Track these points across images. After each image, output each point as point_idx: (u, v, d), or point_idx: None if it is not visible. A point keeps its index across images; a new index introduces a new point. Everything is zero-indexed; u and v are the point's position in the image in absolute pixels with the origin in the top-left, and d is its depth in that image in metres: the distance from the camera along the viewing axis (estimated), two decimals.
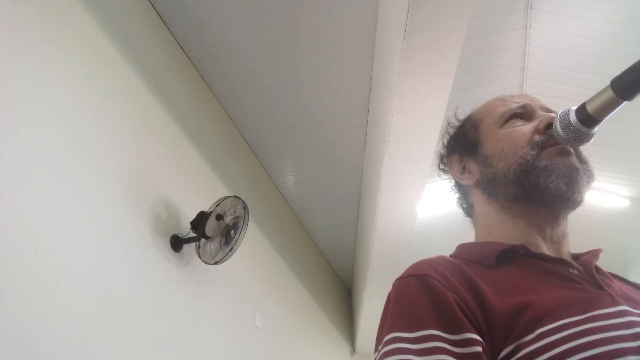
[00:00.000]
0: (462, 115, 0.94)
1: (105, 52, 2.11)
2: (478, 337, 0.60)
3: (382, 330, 0.66)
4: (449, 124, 0.95)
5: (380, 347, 0.65)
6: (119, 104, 2.14)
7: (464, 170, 0.88)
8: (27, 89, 1.65)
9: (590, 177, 0.77)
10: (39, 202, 1.61)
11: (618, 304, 0.64)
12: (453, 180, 0.93)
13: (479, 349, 0.59)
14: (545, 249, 0.76)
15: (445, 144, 0.94)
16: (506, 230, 0.79)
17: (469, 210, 0.89)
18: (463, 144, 0.89)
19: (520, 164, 0.77)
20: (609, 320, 0.61)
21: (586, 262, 0.74)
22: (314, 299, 4.51)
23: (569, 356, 0.57)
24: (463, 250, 0.81)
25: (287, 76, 3.05)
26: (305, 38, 2.82)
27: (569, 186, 0.74)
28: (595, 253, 0.77)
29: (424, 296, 0.65)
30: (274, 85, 3.10)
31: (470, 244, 0.83)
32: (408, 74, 2.39)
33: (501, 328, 0.61)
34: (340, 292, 5.71)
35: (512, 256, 0.73)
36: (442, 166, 0.94)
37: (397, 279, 0.71)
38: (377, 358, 0.64)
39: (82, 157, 1.85)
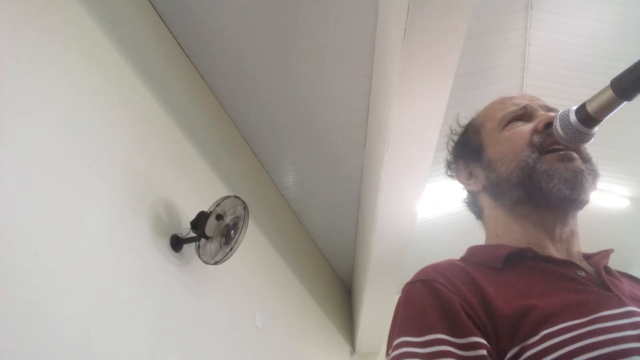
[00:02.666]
0: (464, 121, 0.95)
1: (105, 52, 2.11)
2: (483, 341, 0.61)
3: (392, 335, 0.68)
4: (451, 130, 0.96)
5: (390, 351, 0.67)
6: (118, 104, 2.14)
7: (470, 175, 0.89)
8: (27, 89, 1.65)
9: (595, 176, 0.77)
10: (39, 202, 1.61)
11: (625, 305, 0.65)
12: (462, 186, 0.94)
13: (484, 352, 0.60)
14: (554, 250, 0.77)
15: (450, 150, 0.96)
16: (514, 233, 0.80)
17: (479, 214, 0.90)
18: (467, 150, 0.90)
19: (522, 168, 0.77)
20: (614, 322, 0.62)
21: (596, 263, 0.74)
22: (314, 299, 4.51)
23: (573, 357, 0.57)
24: (472, 253, 0.82)
25: (287, 76, 3.05)
26: (305, 38, 2.82)
27: (573, 190, 0.74)
28: (606, 254, 0.77)
29: (430, 301, 0.67)
30: (274, 85, 3.09)
31: (480, 246, 0.84)
32: (408, 74, 2.39)
33: (506, 330, 0.62)
34: (340, 292, 5.71)
35: (519, 259, 0.74)
36: (449, 172, 0.96)
37: (406, 284, 0.73)
38: None
39: (81, 157, 1.85)
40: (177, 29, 2.68)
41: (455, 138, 0.95)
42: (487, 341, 0.62)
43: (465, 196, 0.94)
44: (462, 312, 0.64)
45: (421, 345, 0.63)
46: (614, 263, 0.77)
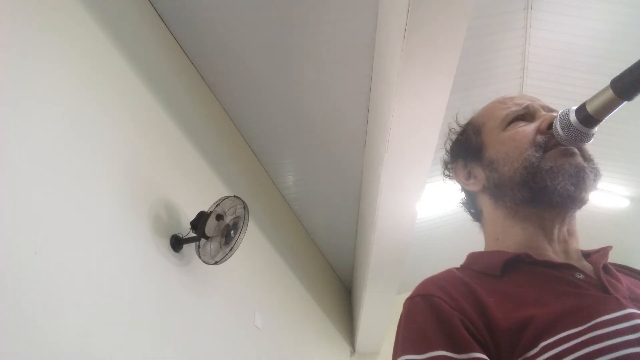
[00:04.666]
0: (463, 120, 0.93)
1: (105, 52, 2.11)
2: (484, 356, 0.61)
3: (395, 352, 0.69)
4: (450, 129, 0.94)
5: None
6: (118, 104, 2.14)
7: (469, 175, 0.88)
8: (27, 89, 1.65)
9: (597, 174, 0.76)
10: (39, 201, 1.61)
11: (623, 308, 0.64)
12: (460, 186, 0.93)
13: None
14: (552, 252, 0.76)
15: (449, 150, 0.94)
16: (515, 236, 0.79)
17: (477, 215, 0.89)
18: (467, 150, 0.88)
19: (526, 167, 0.76)
20: (613, 327, 0.61)
21: (595, 262, 0.74)
22: (314, 299, 4.51)
23: None
24: (472, 261, 0.82)
25: (287, 76, 3.05)
26: (305, 38, 2.82)
27: (577, 186, 0.74)
28: (605, 252, 0.77)
29: (430, 317, 0.67)
30: (274, 85, 3.09)
31: (479, 253, 0.84)
32: (408, 74, 2.39)
33: (506, 344, 0.62)
34: (340, 292, 5.71)
35: (517, 264, 0.74)
36: (447, 172, 0.94)
37: (407, 299, 0.73)
38: None
39: (81, 157, 1.85)
40: (177, 29, 2.68)
41: (454, 137, 0.93)
42: (487, 355, 0.62)
43: (463, 197, 0.92)
44: (462, 327, 0.64)
45: None
46: (615, 263, 0.77)
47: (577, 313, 0.64)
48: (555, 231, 0.77)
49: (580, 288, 0.69)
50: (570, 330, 0.61)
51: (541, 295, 0.68)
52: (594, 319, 0.62)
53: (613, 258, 0.77)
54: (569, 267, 0.73)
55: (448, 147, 0.94)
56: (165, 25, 2.64)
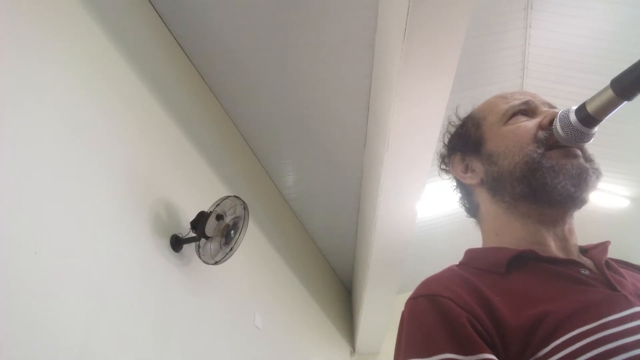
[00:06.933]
0: (463, 114, 0.93)
1: (105, 53, 2.11)
2: (493, 357, 0.60)
3: (398, 355, 0.67)
4: (450, 122, 0.93)
5: None
6: (118, 104, 2.14)
7: (466, 169, 0.87)
8: (27, 89, 1.65)
9: (598, 175, 0.76)
10: (39, 201, 1.61)
11: (632, 306, 0.64)
12: (455, 181, 0.91)
13: None
14: (554, 247, 0.76)
15: (447, 143, 0.93)
16: (514, 231, 0.78)
17: (473, 210, 0.88)
18: (465, 143, 0.87)
19: (527, 162, 0.76)
20: (623, 326, 0.60)
21: (596, 258, 0.73)
22: (314, 299, 4.51)
23: None
24: (472, 258, 0.79)
25: (287, 76, 3.05)
26: (305, 38, 2.82)
27: (578, 187, 0.73)
28: (604, 247, 0.76)
29: (436, 319, 0.64)
30: (274, 85, 3.09)
31: (479, 249, 0.82)
32: (408, 74, 2.39)
33: (516, 344, 0.61)
34: (340, 292, 5.71)
35: (521, 261, 0.72)
36: (443, 166, 0.93)
37: (409, 299, 0.70)
38: None
39: (82, 157, 1.85)
40: (177, 29, 2.68)
41: (453, 130, 0.92)
42: (496, 357, 0.60)
43: (459, 191, 0.91)
44: (470, 328, 0.62)
45: None
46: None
47: (587, 310, 0.63)
48: (557, 229, 0.77)
49: (587, 285, 0.68)
50: (582, 328, 0.60)
51: (549, 292, 0.67)
52: (605, 317, 0.61)
53: (613, 257, 0.77)
54: (574, 264, 0.72)
55: (446, 140, 0.93)
56: (165, 25, 2.64)
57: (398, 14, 2.26)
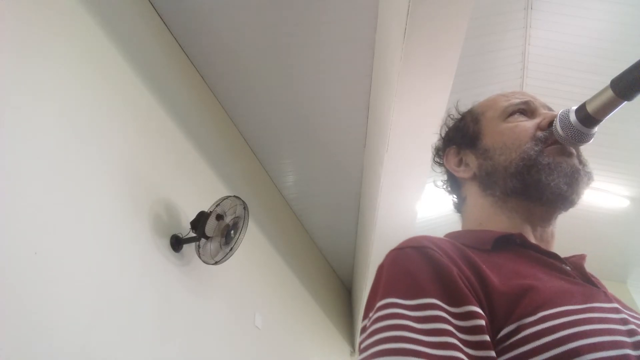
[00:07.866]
0: (464, 109, 0.94)
1: (106, 53, 2.11)
2: (480, 311, 0.58)
3: (374, 298, 0.61)
4: (449, 115, 0.94)
5: (371, 313, 0.60)
6: (119, 104, 2.14)
7: (460, 162, 0.88)
8: (27, 90, 1.66)
9: (589, 179, 0.77)
10: (39, 201, 1.61)
11: (612, 301, 0.65)
12: (446, 173, 0.92)
13: (482, 322, 0.57)
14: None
15: (443, 135, 0.94)
16: (500, 223, 0.78)
17: (459, 204, 0.88)
18: (462, 136, 0.88)
19: (523, 159, 0.76)
20: (606, 314, 0.61)
21: (575, 263, 0.74)
22: (314, 299, 4.51)
23: (570, 341, 0.56)
24: (455, 237, 0.77)
25: (287, 76, 3.05)
26: (305, 38, 2.82)
27: (570, 186, 0.74)
28: (581, 257, 0.76)
29: (424, 266, 0.61)
30: (274, 85, 3.10)
31: (463, 231, 0.81)
32: (408, 74, 2.39)
33: (502, 307, 0.59)
34: (340, 292, 5.71)
35: (508, 244, 0.72)
36: (437, 159, 0.94)
37: (392, 250, 0.66)
38: (369, 324, 0.59)
39: (82, 157, 1.85)
40: (177, 29, 2.69)
41: (451, 123, 0.93)
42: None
43: (448, 184, 0.91)
44: (460, 280, 0.59)
45: (412, 308, 0.57)
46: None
47: (573, 293, 0.63)
48: (540, 229, 0.78)
49: (570, 276, 0.69)
50: (570, 306, 0.60)
51: (536, 273, 0.66)
52: (589, 302, 0.62)
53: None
54: (557, 257, 0.73)
55: (443, 133, 0.94)
56: (165, 25, 2.64)
57: (398, 14, 2.26)
